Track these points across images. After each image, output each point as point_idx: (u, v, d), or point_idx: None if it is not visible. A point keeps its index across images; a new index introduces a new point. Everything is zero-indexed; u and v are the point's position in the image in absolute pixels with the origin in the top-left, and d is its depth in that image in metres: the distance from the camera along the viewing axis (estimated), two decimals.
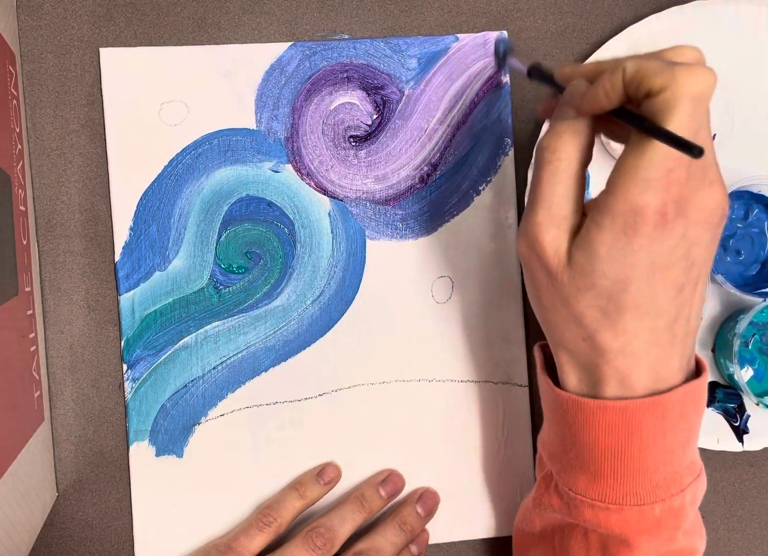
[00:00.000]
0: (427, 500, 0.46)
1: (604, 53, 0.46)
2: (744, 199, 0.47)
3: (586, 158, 0.34)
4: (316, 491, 0.45)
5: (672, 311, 0.33)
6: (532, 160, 0.46)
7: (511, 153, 0.47)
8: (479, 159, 0.47)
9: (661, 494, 0.35)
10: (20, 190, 0.42)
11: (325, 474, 0.45)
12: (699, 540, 0.39)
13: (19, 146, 0.42)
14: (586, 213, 0.34)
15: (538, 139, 0.34)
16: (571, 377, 0.36)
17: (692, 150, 0.29)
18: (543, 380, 0.38)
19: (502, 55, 0.46)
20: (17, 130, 0.42)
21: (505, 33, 0.47)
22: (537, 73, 0.40)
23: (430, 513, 0.46)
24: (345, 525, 0.43)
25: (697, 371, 0.36)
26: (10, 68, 0.42)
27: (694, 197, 0.32)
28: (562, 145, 0.34)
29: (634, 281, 0.32)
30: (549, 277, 0.34)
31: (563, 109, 0.34)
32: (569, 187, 0.34)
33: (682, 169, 0.31)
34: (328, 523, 0.43)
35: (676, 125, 0.30)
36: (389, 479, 0.46)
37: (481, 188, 0.47)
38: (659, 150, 0.31)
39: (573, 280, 0.33)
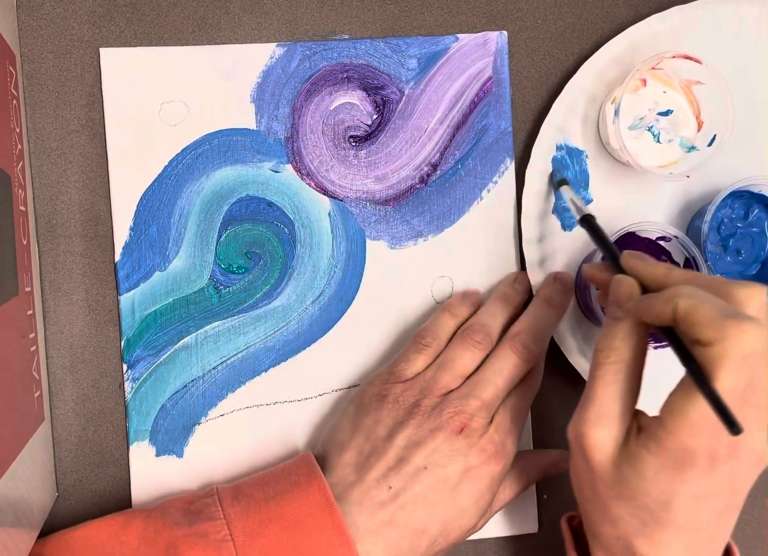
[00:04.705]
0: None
1: (604, 53, 0.46)
2: (744, 199, 0.47)
3: (641, 357, 0.35)
4: (465, 311, 0.45)
5: (711, 529, 0.34)
6: (530, 162, 0.46)
7: (511, 153, 0.47)
8: (479, 159, 0.47)
9: None
10: (20, 190, 0.42)
11: (471, 296, 0.45)
12: None
13: (19, 146, 0.42)
14: (641, 426, 0.34)
15: (596, 340, 0.36)
16: None
17: (732, 426, 0.28)
18: None
19: (556, 184, 0.46)
20: (17, 130, 0.42)
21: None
22: (588, 225, 0.41)
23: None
24: (496, 319, 0.43)
25: None
26: (10, 68, 0.42)
27: (746, 440, 0.32)
28: (614, 349, 0.35)
29: (676, 503, 0.33)
30: (590, 471, 0.35)
31: (613, 308, 0.35)
32: (621, 389, 0.34)
33: None
34: (481, 320, 0.43)
35: (721, 383, 0.30)
36: (519, 277, 0.46)
37: (481, 188, 0.47)
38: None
39: (614, 485, 0.34)
